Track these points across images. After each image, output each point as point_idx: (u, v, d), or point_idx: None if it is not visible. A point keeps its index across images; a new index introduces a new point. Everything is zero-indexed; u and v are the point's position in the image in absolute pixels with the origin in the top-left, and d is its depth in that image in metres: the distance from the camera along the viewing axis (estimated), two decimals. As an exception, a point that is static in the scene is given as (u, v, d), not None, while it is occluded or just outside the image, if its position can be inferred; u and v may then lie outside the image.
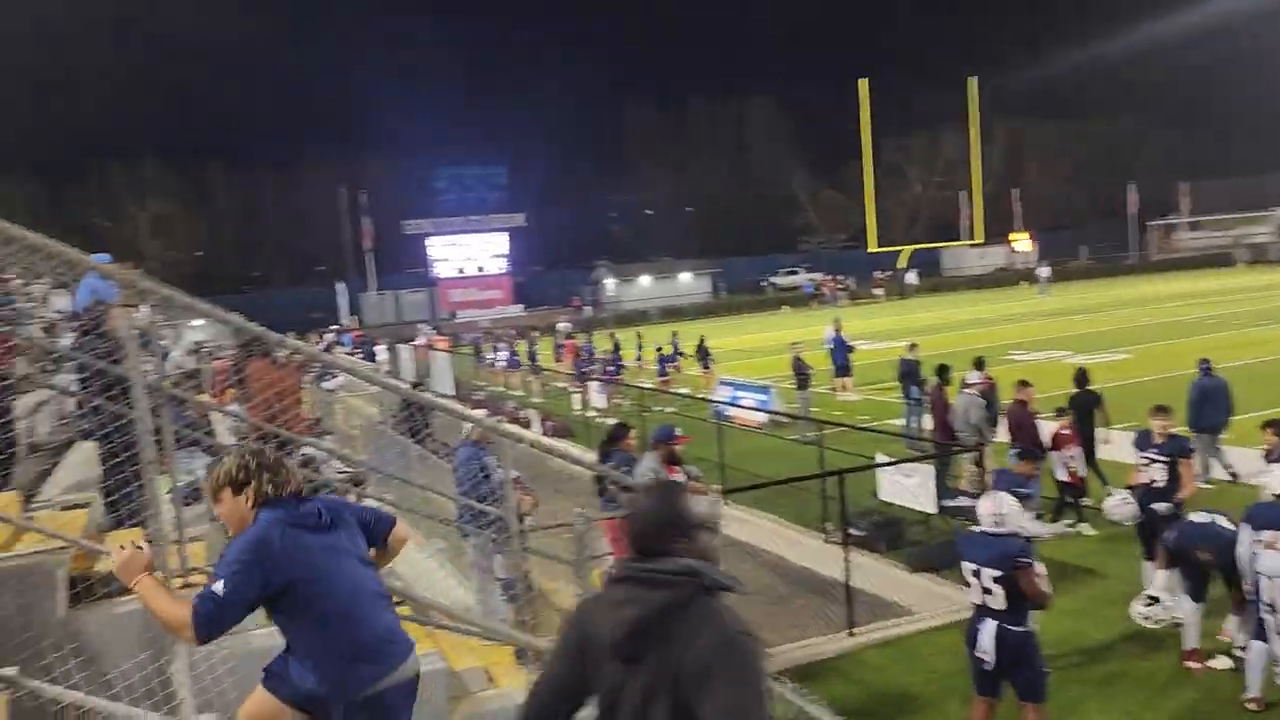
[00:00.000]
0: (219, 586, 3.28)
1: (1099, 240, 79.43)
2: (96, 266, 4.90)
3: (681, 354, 26.45)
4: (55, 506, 5.71)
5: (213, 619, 3.26)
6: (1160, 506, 8.77)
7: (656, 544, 2.63)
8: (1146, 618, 7.73)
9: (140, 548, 3.49)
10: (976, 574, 6.24)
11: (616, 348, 27.40)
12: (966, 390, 13.30)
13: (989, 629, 6.16)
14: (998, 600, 6.12)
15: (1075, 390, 13.17)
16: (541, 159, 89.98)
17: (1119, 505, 9.11)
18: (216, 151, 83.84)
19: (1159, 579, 7.88)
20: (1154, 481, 8.92)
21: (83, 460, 6.65)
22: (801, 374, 19.93)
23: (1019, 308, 44.76)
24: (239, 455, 3.62)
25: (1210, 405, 12.99)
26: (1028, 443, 11.34)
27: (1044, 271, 55.90)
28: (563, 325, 40.19)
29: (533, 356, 30.47)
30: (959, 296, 59.61)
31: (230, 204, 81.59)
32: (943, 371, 14.56)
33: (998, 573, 6.09)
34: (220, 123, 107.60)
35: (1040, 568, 6.16)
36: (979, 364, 14.88)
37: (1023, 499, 7.33)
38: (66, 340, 9.21)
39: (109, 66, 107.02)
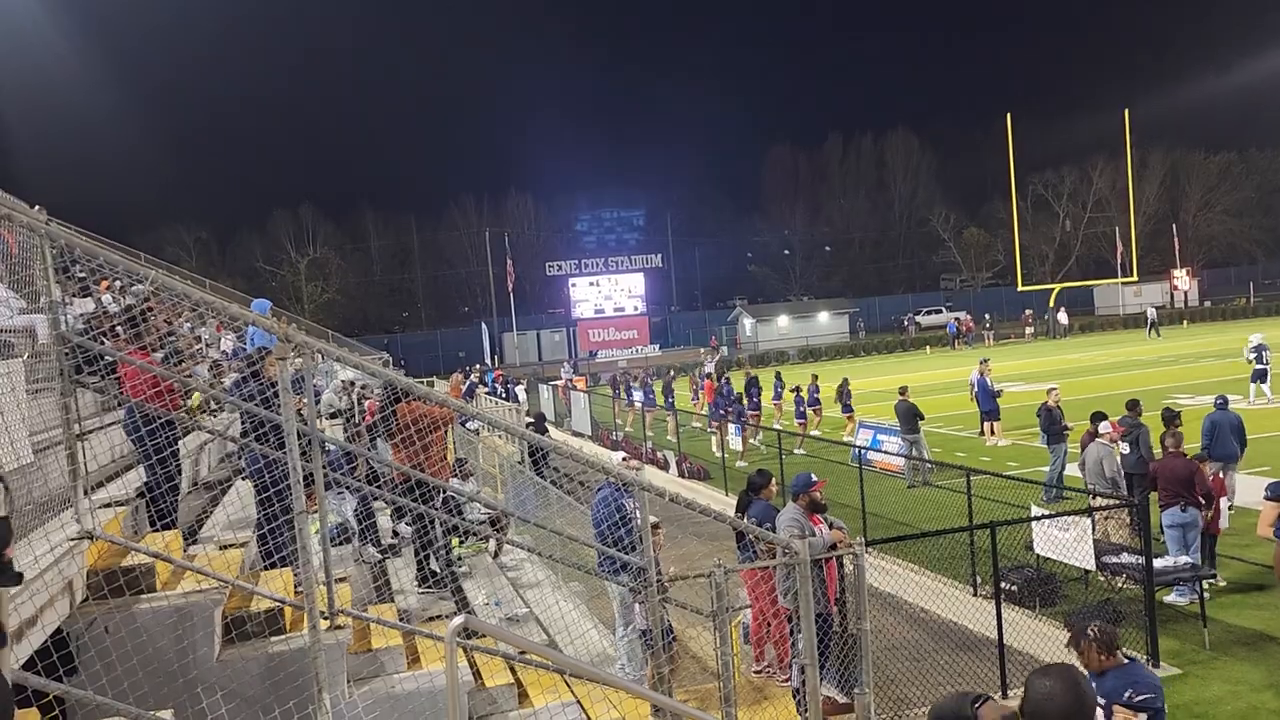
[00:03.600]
0: None
1: (1269, 277, 74.65)
2: (250, 316, 5.06)
3: (819, 398, 25.82)
4: (214, 545, 5.91)
5: None
6: None
7: None
8: None
9: None
10: None
11: (748, 387, 27.06)
12: (1098, 440, 12.50)
13: None
14: None
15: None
16: (680, 200, 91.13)
17: None
18: (369, 199, 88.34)
19: None
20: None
21: (241, 499, 6.90)
22: (908, 418, 18.81)
23: (1178, 348, 42.19)
24: None
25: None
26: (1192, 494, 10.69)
27: (1150, 313, 53.67)
28: (706, 365, 39.99)
29: (668, 396, 30.41)
30: (1113, 336, 56.74)
31: (381, 248, 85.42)
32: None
33: None
34: (372, 171, 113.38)
35: None
36: (1132, 406, 13.89)
37: None
38: (229, 380, 9.67)
39: (269, 121, 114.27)
